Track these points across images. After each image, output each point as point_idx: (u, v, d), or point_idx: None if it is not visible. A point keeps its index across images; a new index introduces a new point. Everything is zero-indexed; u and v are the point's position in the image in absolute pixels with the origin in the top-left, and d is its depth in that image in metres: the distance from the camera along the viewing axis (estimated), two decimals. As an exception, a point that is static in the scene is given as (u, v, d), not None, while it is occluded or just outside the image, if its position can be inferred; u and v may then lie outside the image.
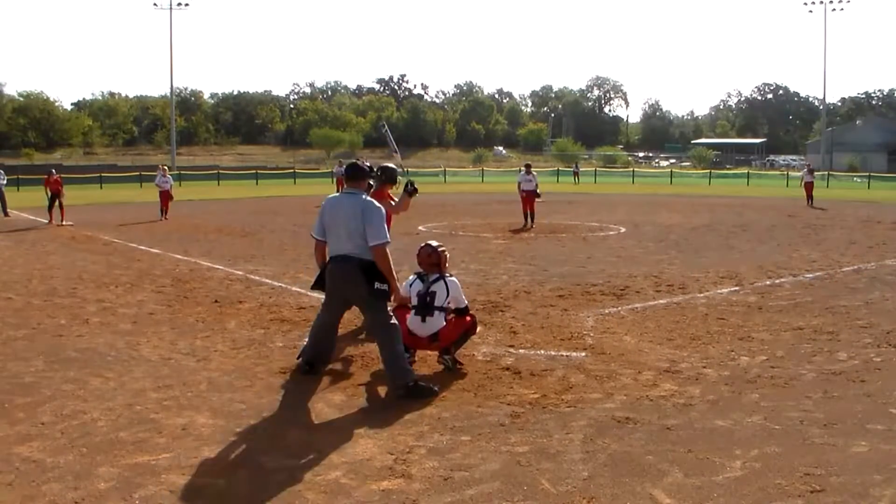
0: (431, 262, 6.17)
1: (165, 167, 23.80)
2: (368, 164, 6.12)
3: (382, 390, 5.51)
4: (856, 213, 23.67)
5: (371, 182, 6.08)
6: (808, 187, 27.75)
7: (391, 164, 8.40)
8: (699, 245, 14.81)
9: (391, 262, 5.47)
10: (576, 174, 50.61)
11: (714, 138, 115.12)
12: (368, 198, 5.60)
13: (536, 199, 18.90)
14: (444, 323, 5.97)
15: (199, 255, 13.31)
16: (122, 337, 7.11)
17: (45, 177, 20.98)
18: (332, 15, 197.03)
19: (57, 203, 19.86)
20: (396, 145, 9.11)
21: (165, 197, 21.46)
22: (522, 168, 20.47)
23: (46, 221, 19.78)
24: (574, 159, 76.07)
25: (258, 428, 4.77)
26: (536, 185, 19.21)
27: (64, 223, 19.37)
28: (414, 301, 6.03)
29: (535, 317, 7.98)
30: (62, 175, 22.22)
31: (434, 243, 6.32)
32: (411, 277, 6.23)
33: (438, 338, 5.94)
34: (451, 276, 6.22)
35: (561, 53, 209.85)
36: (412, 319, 5.96)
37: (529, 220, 18.62)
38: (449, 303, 6.03)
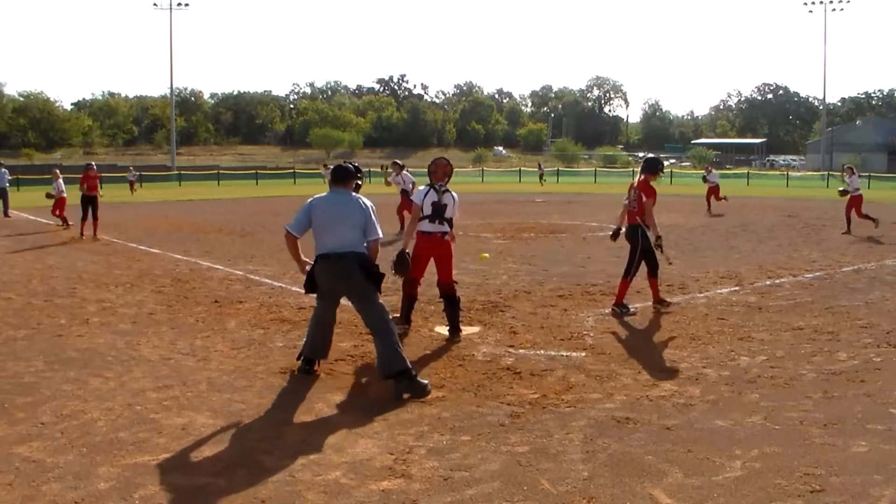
0: (446, 172, 7.03)
1: (57, 171, 19.45)
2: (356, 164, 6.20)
3: (382, 390, 5.51)
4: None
5: (358, 183, 6.05)
6: (713, 191, 24.47)
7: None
8: (699, 245, 14.80)
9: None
10: (541, 176, 49.40)
11: (714, 138, 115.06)
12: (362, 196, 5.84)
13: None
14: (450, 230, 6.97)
15: (199, 255, 13.31)
16: (122, 337, 7.11)
17: (84, 173, 16.59)
18: (332, 15, 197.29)
19: (91, 210, 15.99)
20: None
21: (62, 204, 18.02)
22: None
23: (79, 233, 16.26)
24: (574, 159, 75.69)
25: (258, 428, 4.77)
26: None
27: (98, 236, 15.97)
28: (427, 210, 6.88)
29: (535, 317, 7.98)
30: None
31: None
32: (422, 188, 7.05)
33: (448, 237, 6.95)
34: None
35: (561, 53, 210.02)
36: (425, 224, 6.88)
37: None
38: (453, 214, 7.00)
